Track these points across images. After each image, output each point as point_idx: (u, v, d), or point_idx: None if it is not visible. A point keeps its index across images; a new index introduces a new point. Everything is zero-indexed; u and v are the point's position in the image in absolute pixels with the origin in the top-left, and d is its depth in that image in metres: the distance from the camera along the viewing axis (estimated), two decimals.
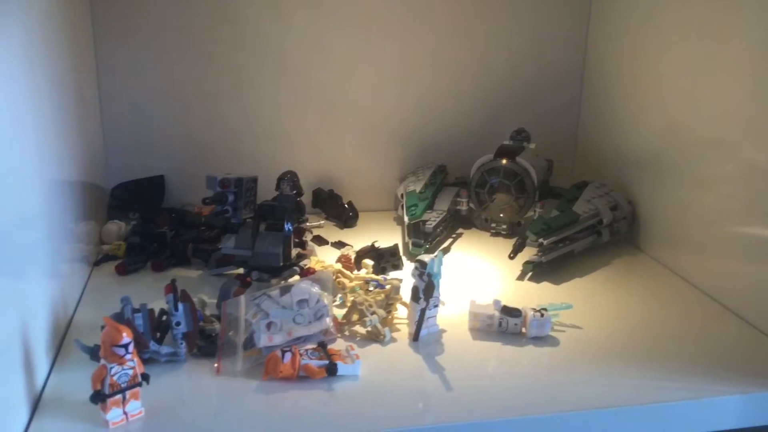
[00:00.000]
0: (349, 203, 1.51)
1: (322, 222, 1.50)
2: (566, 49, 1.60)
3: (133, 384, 0.80)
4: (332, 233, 1.45)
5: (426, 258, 0.98)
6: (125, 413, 0.80)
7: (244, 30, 1.45)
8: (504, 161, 1.41)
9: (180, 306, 0.93)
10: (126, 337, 0.78)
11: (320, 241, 1.38)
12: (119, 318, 0.90)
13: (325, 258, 1.25)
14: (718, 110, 1.15)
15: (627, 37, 1.44)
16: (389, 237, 1.39)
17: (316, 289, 0.97)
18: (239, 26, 1.45)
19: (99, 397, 0.78)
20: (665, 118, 1.30)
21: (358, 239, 1.38)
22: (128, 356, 0.79)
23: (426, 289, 0.98)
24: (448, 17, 1.53)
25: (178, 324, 0.93)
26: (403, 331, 1.04)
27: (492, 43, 1.56)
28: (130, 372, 0.80)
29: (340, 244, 1.36)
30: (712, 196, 1.17)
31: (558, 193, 1.45)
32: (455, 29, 1.54)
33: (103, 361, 0.79)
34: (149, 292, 1.09)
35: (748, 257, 1.09)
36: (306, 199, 1.53)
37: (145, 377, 0.82)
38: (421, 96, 1.57)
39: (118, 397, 0.79)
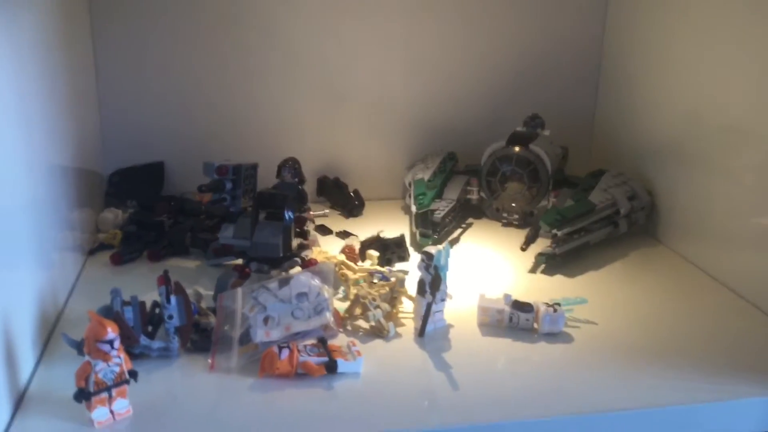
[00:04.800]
0: (355, 191, 1.46)
1: (327, 211, 1.45)
2: (583, 30, 1.52)
3: (120, 381, 0.76)
4: (337, 223, 1.40)
5: (433, 250, 0.93)
6: (112, 412, 0.76)
7: (249, 12, 1.40)
8: (517, 149, 1.36)
9: (173, 298, 0.88)
10: (111, 332, 0.74)
11: (324, 230, 1.33)
12: (108, 311, 0.86)
13: (328, 248, 1.20)
14: (745, 95, 1.09)
15: (648, 17, 1.37)
16: (396, 227, 1.33)
17: (316, 281, 0.93)
18: (244, 8, 1.39)
19: (83, 395, 0.75)
20: (688, 103, 1.24)
21: (363, 229, 1.32)
22: (114, 352, 0.75)
23: (432, 283, 0.93)
24: None
25: (170, 317, 0.88)
26: (409, 326, 0.99)
27: (504, 24, 1.50)
28: (117, 369, 0.76)
29: (344, 234, 1.31)
30: (737, 186, 1.11)
31: (573, 182, 1.39)
32: (465, 11, 1.48)
33: (87, 358, 0.75)
34: (144, 282, 1.05)
35: None
36: (311, 187, 1.48)
37: (133, 374, 0.78)
38: (430, 80, 1.51)
39: (104, 395, 0.75)
